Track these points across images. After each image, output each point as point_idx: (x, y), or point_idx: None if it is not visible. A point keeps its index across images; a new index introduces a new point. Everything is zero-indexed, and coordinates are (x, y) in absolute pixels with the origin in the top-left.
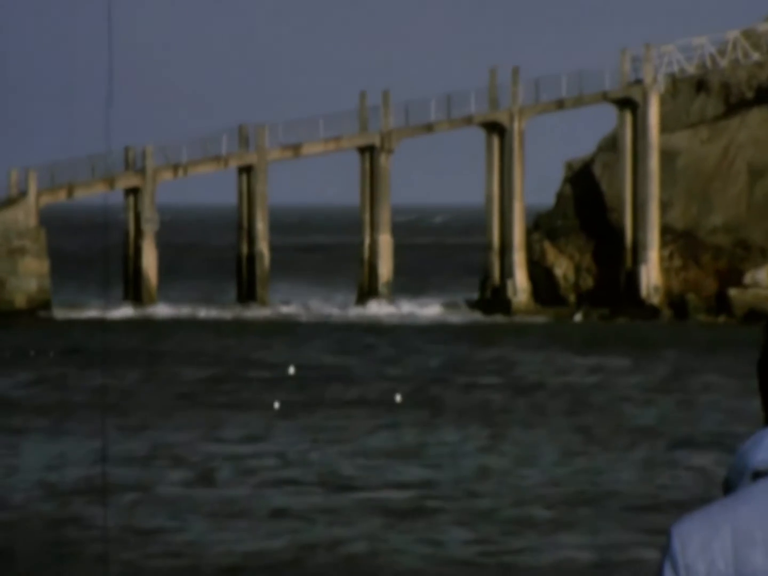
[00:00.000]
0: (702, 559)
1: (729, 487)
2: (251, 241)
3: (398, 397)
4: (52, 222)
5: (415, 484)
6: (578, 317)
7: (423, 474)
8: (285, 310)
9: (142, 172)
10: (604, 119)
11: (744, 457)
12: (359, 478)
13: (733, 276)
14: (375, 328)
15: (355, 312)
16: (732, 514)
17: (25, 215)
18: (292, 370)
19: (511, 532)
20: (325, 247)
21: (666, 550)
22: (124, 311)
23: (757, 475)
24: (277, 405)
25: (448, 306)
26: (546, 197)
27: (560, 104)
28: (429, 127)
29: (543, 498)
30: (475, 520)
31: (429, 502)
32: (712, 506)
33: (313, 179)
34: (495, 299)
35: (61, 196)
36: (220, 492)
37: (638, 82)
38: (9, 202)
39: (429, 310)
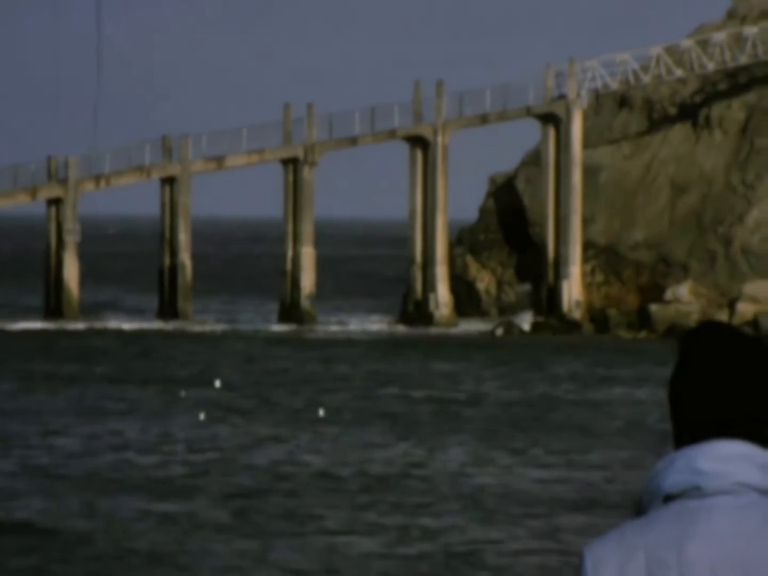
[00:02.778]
0: None
1: (640, 508)
2: (173, 252)
3: (321, 412)
4: None
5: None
6: (499, 331)
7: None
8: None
9: (64, 182)
10: (528, 134)
11: (655, 479)
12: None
13: (654, 291)
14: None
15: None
16: (644, 537)
17: None
18: (218, 383)
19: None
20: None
21: (579, 572)
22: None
23: (668, 499)
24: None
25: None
26: (469, 211)
27: (484, 118)
28: (353, 140)
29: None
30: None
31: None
32: (625, 529)
33: (237, 191)
34: (417, 312)
35: None
36: None
37: (561, 97)
38: None
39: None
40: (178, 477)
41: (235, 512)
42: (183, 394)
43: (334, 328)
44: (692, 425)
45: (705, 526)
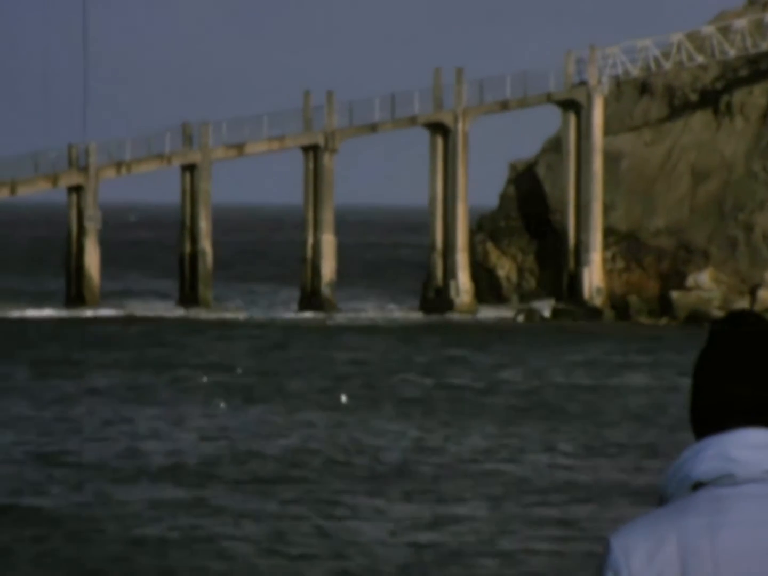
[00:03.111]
0: (649, 571)
1: (665, 497)
2: (194, 239)
3: (344, 398)
4: None
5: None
6: (520, 318)
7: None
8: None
9: (85, 169)
10: (548, 121)
11: (683, 467)
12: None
13: (675, 278)
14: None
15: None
16: (675, 525)
17: None
18: (239, 370)
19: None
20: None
21: (605, 560)
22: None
23: (697, 486)
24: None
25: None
26: (489, 198)
27: (504, 105)
28: (373, 127)
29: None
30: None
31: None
32: (653, 516)
33: (257, 178)
34: (438, 299)
35: (4, 193)
36: None
37: (582, 83)
38: None
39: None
40: (194, 464)
41: (250, 499)
42: (204, 379)
43: (355, 315)
44: (717, 414)
45: (738, 514)
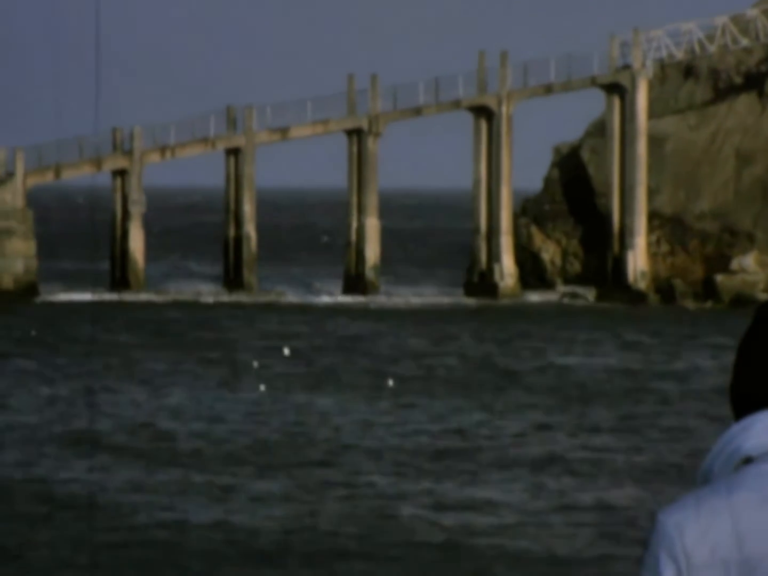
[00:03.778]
0: (703, 546)
1: (710, 473)
2: (238, 223)
3: (390, 382)
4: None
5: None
6: (565, 301)
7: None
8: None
9: (129, 153)
10: (593, 104)
11: (731, 443)
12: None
13: (720, 262)
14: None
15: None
16: (727, 500)
17: (12, 196)
18: (287, 351)
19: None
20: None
21: (656, 537)
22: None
23: (747, 462)
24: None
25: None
26: (533, 182)
27: (549, 89)
28: (417, 111)
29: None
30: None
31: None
32: (702, 493)
33: (301, 162)
34: (482, 283)
35: (49, 177)
36: None
37: (627, 67)
38: None
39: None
40: (239, 449)
41: (294, 483)
42: (255, 364)
43: (399, 298)
44: (764, 391)
45: None
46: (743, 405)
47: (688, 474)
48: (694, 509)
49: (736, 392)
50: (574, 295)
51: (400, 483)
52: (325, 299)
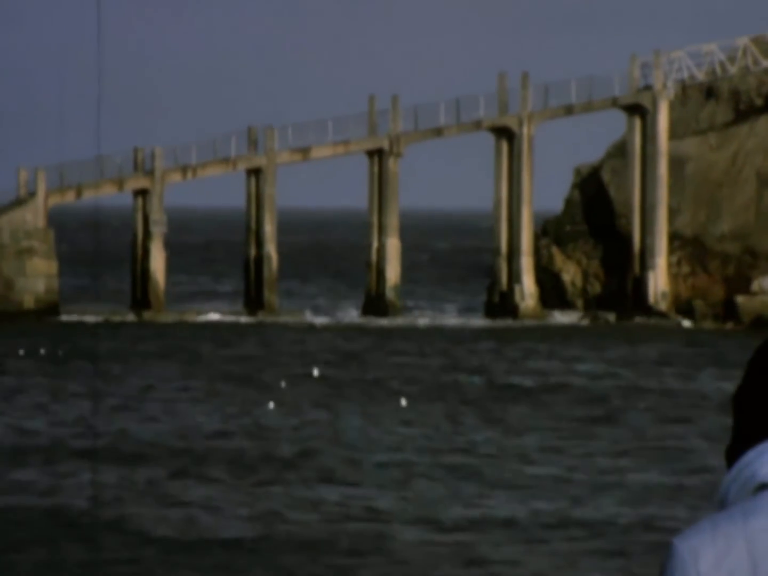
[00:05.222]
0: (718, 572)
1: (726, 498)
2: (259, 243)
3: (403, 402)
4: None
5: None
6: (585, 323)
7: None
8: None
9: (151, 173)
10: (614, 125)
11: (747, 469)
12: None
13: (740, 283)
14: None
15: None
16: (742, 527)
17: (33, 216)
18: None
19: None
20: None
21: (671, 563)
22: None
23: (762, 488)
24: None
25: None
26: (554, 202)
27: (569, 110)
28: (438, 132)
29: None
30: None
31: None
32: (717, 519)
33: (322, 182)
34: (503, 304)
35: (70, 197)
36: None
37: (648, 88)
38: (18, 202)
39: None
40: (258, 461)
41: (291, 498)
42: (282, 384)
43: (420, 319)
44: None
45: None
46: (758, 429)
47: (693, 494)
48: (709, 535)
49: (746, 418)
50: (595, 317)
51: (404, 500)
52: (346, 319)
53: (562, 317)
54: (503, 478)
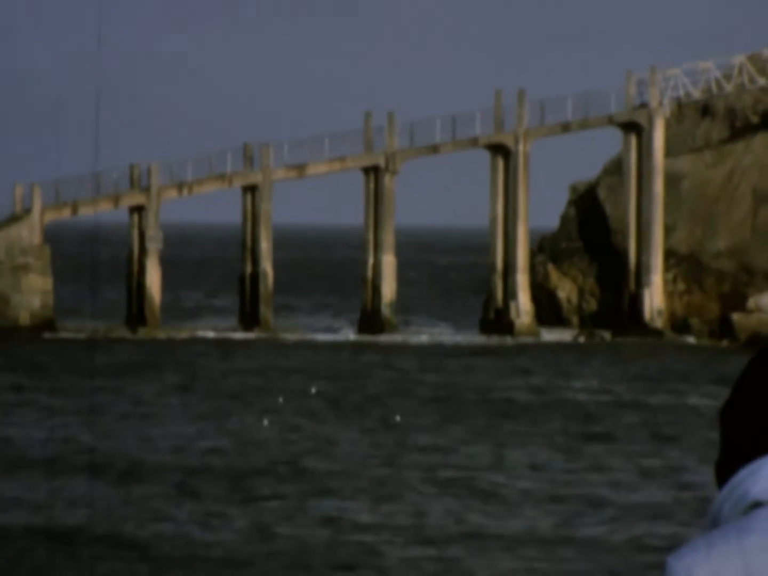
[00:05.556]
0: None
1: (719, 516)
2: (255, 260)
3: (398, 417)
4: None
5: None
6: (581, 340)
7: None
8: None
9: (147, 190)
10: (610, 142)
11: (739, 487)
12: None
13: (736, 300)
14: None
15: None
16: (738, 543)
17: (29, 232)
18: (313, 389)
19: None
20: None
21: None
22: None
23: (756, 506)
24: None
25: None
26: (550, 219)
27: (566, 127)
28: (434, 149)
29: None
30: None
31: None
32: (712, 537)
33: (318, 199)
34: (498, 320)
35: (66, 213)
36: None
37: (643, 105)
38: (13, 218)
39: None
40: (251, 477)
41: (281, 512)
42: (281, 400)
43: (415, 336)
44: (759, 438)
45: None
46: (751, 447)
47: (684, 512)
48: (704, 553)
49: (737, 436)
50: (591, 335)
51: (394, 514)
52: (341, 336)
53: (549, 335)
54: (495, 493)
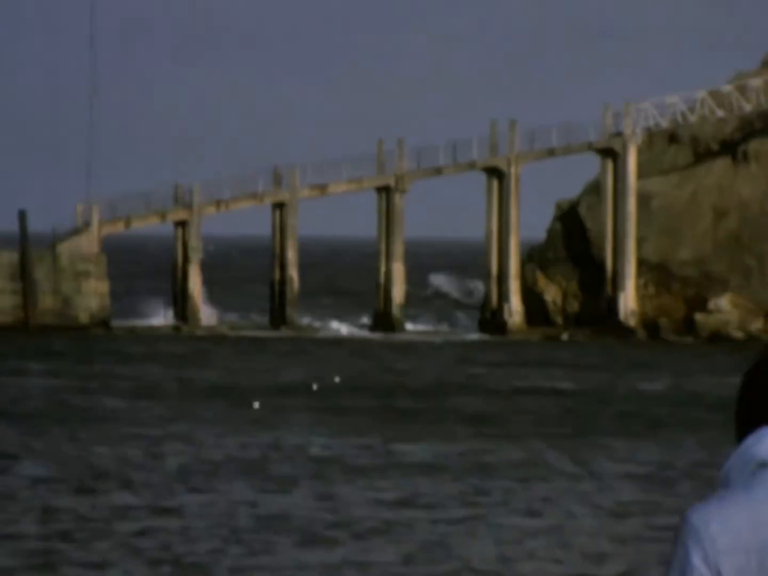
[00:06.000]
0: (726, 534)
1: (728, 478)
2: (282, 267)
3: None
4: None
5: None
6: (565, 337)
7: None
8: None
9: (189, 206)
10: (589, 166)
11: (747, 451)
12: None
13: (699, 302)
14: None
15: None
16: (746, 495)
17: (88, 243)
18: (315, 386)
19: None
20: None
21: (685, 530)
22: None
23: (762, 466)
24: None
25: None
26: (538, 233)
27: (551, 152)
28: (438, 171)
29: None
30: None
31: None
32: (724, 493)
33: (337, 215)
34: (493, 320)
35: (120, 227)
36: None
37: (619, 134)
38: (75, 231)
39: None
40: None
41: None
42: (337, 379)
43: (419, 336)
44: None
45: None
46: (755, 419)
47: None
48: (717, 504)
49: (745, 409)
50: (573, 334)
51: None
52: (356, 333)
53: (543, 333)
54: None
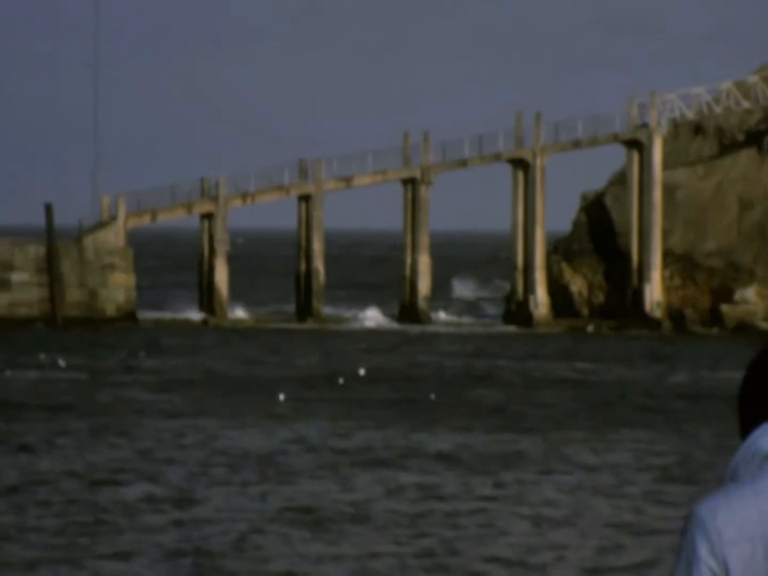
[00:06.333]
0: (732, 525)
1: (736, 472)
2: (308, 259)
3: (432, 396)
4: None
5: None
6: (590, 328)
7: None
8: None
9: (215, 199)
10: (615, 157)
11: (753, 445)
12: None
13: (725, 293)
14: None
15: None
16: (752, 487)
17: (114, 236)
18: (341, 380)
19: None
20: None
21: (692, 522)
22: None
23: (767, 459)
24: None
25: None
26: (563, 224)
27: (577, 144)
28: (463, 163)
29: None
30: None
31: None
32: (730, 487)
33: (363, 207)
34: (519, 312)
35: (146, 220)
36: None
37: (644, 125)
38: (101, 224)
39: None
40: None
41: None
42: (341, 381)
43: (444, 327)
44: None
45: None
46: (758, 414)
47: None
48: (723, 497)
49: (748, 405)
50: (598, 325)
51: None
52: (382, 324)
53: (569, 325)
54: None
